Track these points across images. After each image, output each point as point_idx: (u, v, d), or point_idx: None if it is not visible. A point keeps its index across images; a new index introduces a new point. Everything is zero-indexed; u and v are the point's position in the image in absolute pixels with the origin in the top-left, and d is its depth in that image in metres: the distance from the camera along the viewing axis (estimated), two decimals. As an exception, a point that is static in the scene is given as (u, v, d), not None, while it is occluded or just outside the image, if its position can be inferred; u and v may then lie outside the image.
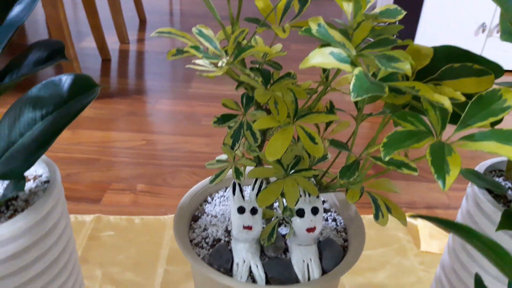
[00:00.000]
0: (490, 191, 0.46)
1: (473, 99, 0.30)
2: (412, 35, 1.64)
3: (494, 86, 0.31)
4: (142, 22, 2.01)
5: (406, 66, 0.29)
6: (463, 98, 0.31)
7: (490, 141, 0.27)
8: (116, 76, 1.42)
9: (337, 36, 0.32)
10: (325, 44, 0.32)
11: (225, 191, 0.55)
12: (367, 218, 0.80)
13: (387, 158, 0.27)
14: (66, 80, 0.44)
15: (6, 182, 0.45)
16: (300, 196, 0.43)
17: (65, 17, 1.18)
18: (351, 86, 0.26)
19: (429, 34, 1.61)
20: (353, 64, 0.30)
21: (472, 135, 0.29)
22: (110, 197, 0.85)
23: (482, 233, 0.18)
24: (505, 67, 1.64)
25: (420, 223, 0.79)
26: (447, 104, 0.28)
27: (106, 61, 1.54)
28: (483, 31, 1.57)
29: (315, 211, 0.43)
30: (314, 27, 0.32)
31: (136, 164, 0.96)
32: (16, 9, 0.45)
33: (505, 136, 0.27)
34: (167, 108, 1.22)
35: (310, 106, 0.42)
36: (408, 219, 0.80)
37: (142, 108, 1.21)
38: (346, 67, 0.30)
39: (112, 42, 1.68)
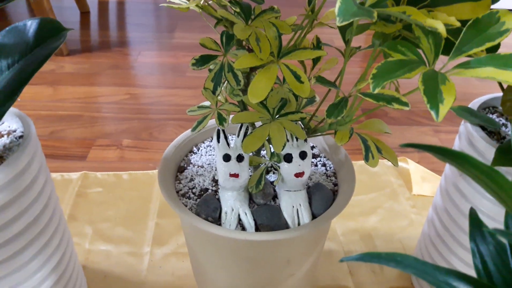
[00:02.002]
0: (483, 128, 0.44)
1: (468, 23, 0.28)
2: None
3: (492, 9, 0.29)
4: (121, -28, 1.90)
5: (396, -12, 0.27)
6: (457, 23, 0.28)
7: (487, 67, 0.25)
8: (96, 29, 1.36)
9: (321, -41, 0.29)
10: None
11: (211, 141, 0.53)
12: (358, 164, 0.79)
13: (376, 90, 0.25)
14: (31, 25, 0.41)
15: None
16: (287, 140, 0.41)
17: (36, -34, 1.11)
18: (336, 10, 0.24)
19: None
20: (339, -11, 0.28)
21: (467, 62, 0.27)
22: (95, 154, 0.83)
23: (480, 161, 0.16)
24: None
25: (412, 167, 0.78)
26: (441, 28, 0.25)
27: (84, 13, 1.47)
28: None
29: (303, 155, 0.41)
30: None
31: (121, 119, 0.93)
32: None
33: (503, 61, 0.25)
34: (150, 60, 1.17)
35: (295, 43, 0.39)
36: (400, 163, 0.79)
37: (125, 60, 1.16)
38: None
39: (90, -6, 1.60)
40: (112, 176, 0.77)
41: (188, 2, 0.36)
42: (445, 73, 0.27)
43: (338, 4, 0.24)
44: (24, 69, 0.39)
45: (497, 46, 0.30)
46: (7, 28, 0.41)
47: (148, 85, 1.06)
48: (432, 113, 0.23)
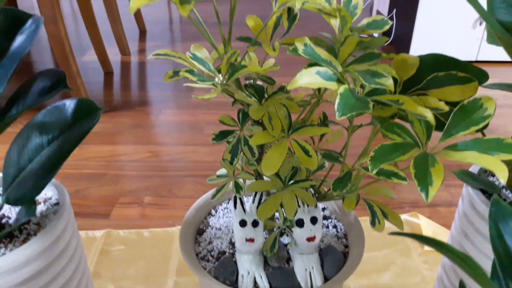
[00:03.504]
0: (484, 191, 0.47)
1: (455, 108, 0.32)
2: (410, 30, 1.65)
3: (477, 95, 0.33)
4: (142, 33, 2.03)
5: (389, 82, 0.31)
6: (446, 108, 0.32)
7: (471, 151, 0.29)
8: (119, 89, 1.45)
9: (324, 54, 0.34)
10: (313, 63, 0.34)
11: (228, 203, 0.57)
12: (371, 219, 0.81)
13: (374, 172, 0.29)
14: (70, 104, 0.46)
15: (17, 207, 0.47)
16: (299, 206, 0.44)
17: (66, 34, 1.20)
18: (335, 105, 0.28)
19: (427, 29, 1.61)
20: (339, 81, 0.32)
21: (455, 145, 0.30)
22: (118, 211, 0.87)
23: (454, 248, 0.19)
24: (506, 59, 1.64)
25: (423, 222, 0.80)
26: (430, 117, 0.29)
27: (108, 74, 1.57)
28: (481, 23, 1.57)
29: (314, 220, 0.44)
30: (300, 47, 0.34)
31: (143, 177, 0.98)
32: (19, 40, 0.47)
33: (485, 146, 0.28)
34: (170, 119, 1.24)
35: (304, 118, 0.43)
36: (411, 219, 0.81)
37: (146, 119, 1.23)
38: (332, 85, 0.31)
39: (114, 54, 1.71)
40: (133, 234, 0.80)
41: (210, 86, 0.41)
42: (435, 154, 0.30)
43: (337, 100, 0.29)
44: (63, 145, 0.44)
45: (486, 126, 0.34)
46: (48, 107, 0.46)
47: (168, 143, 1.11)
48: (422, 195, 0.26)
